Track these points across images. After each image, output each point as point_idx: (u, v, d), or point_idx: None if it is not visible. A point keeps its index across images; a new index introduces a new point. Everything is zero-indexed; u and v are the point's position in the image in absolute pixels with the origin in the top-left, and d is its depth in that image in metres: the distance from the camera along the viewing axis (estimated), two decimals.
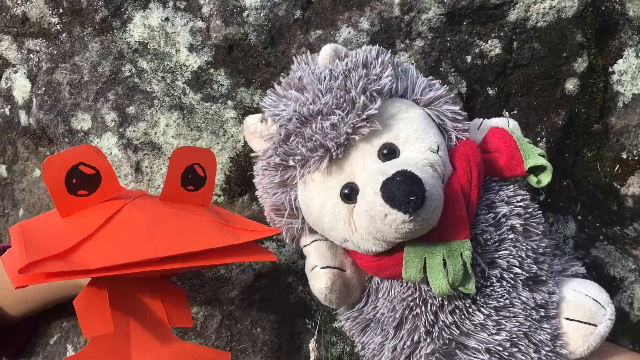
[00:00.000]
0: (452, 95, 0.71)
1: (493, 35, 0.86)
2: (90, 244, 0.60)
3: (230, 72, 0.91)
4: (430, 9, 0.84)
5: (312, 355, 0.76)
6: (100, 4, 0.91)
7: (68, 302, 0.88)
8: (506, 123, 0.74)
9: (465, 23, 0.86)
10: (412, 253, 0.64)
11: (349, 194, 0.65)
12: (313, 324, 0.79)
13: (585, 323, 0.68)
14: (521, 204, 0.70)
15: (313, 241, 0.71)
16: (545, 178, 0.70)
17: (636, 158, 0.93)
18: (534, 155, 0.70)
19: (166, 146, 0.88)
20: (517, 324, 0.67)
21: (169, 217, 0.66)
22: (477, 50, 0.86)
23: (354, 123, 0.64)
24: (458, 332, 0.67)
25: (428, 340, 0.67)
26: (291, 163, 0.66)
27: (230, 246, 0.66)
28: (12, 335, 0.86)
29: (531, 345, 0.67)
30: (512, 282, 0.67)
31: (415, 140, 0.65)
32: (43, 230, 0.61)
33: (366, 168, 0.64)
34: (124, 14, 0.91)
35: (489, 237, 0.67)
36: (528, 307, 0.67)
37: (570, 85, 0.89)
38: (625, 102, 0.92)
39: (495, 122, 0.74)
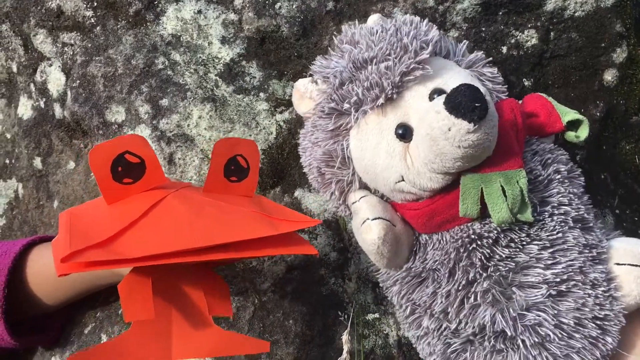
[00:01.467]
0: (491, 60, 0.75)
1: (529, 25, 0.84)
2: (131, 233, 0.60)
3: (262, 65, 0.91)
4: None
5: (345, 348, 0.76)
6: None
7: (102, 292, 0.90)
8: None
9: (500, 13, 0.84)
10: (469, 184, 0.65)
11: (403, 133, 0.68)
12: (346, 317, 0.79)
13: (636, 265, 0.68)
14: (562, 156, 0.72)
15: (362, 197, 0.73)
16: (583, 132, 0.73)
17: None
18: (569, 113, 0.72)
19: (199, 138, 0.88)
20: (572, 257, 0.67)
21: (210, 207, 0.66)
22: (512, 41, 0.85)
23: (407, 64, 0.67)
24: (514, 264, 0.67)
25: (484, 275, 0.67)
26: (346, 106, 0.70)
27: (271, 238, 0.66)
28: (47, 325, 0.87)
29: (587, 282, 0.67)
30: (563, 217, 0.68)
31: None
32: (89, 217, 0.62)
33: (420, 108, 0.67)
34: (157, 6, 0.92)
35: (538, 174, 0.69)
36: (580, 245, 0.68)
37: (609, 76, 0.87)
38: None
39: None
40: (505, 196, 0.64)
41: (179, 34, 0.91)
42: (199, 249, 0.61)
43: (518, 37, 0.85)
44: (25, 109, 1.05)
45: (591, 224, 0.71)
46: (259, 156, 0.74)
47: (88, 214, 0.63)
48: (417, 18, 0.72)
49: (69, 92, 0.94)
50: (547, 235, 0.67)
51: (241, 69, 0.90)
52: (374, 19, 0.76)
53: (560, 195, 0.69)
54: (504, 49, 0.85)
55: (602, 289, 0.67)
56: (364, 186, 0.74)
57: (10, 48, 1.04)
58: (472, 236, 0.67)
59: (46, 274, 0.82)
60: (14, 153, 1.08)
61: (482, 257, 0.67)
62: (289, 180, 0.88)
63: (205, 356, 0.66)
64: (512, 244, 0.67)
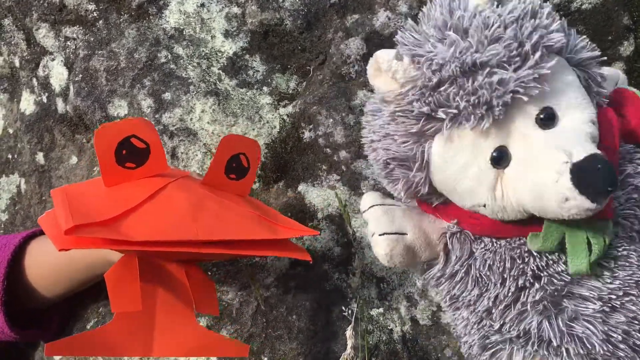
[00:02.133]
0: (605, 58, 0.66)
1: None
2: (135, 216, 0.60)
3: (266, 58, 0.90)
4: None
5: (349, 343, 0.75)
6: None
7: (104, 287, 0.89)
8: (617, 75, 0.71)
9: None
10: (553, 228, 0.61)
11: (499, 158, 0.59)
12: (350, 312, 0.78)
13: None
14: (637, 160, 0.66)
15: (370, 207, 0.69)
16: None
17: None
18: None
19: (202, 132, 0.87)
20: (631, 272, 0.63)
21: (211, 202, 0.65)
22: None
23: (525, 81, 0.57)
24: (569, 278, 0.63)
25: (536, 286, 0.64)
26: (441, 115, 0.59)
27: (269, 240, 0.66)
28: (48, 319, 0.87)
29: None
30: (630, 235, 0.64)
31: (577, 108, 0.60)
32: (87, 196, 0.61)
33: (526, 135, 0.59)
34: (160, 0, 0.91)
35: (617, 202, 0.63)
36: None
37: (616, 69, 0.86)
38: None
39: (607, 70, 0.69)
40: (590, 250, 0.60)
41: (181, 27, 0.91)
42: (200, 242, 0.61)
43: None
44: (27, 103, 1.04)
45: None
46: (260, 158, 0.74)
47: (85, 193, 0.62)
48: (545, 8, 0.60)
49: (71, 87, 0.94)
50: (613, 252, 0.64)
51: (244, 63, 0.90)
52: None
53: (634, 217, 0.64)
54: None
55: None
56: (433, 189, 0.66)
57: (12, 42, 1.03)
58: (534, 253, 0.64)
59: (45, 266, 0.82)
60: (17, 148, 1.07)
61: (537, 268, 0.64)
62: (293, 175, 0.87)
63: (186, 355, 0.66)
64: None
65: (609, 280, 0.63)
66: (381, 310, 0.84)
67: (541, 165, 0.56)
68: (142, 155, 0.64)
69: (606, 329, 0.62)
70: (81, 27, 0.95)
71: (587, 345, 0.63)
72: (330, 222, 0.85)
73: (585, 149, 0.55)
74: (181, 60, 0.90)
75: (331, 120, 0.83)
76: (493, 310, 0.66)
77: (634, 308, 0.63)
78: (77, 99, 0.91)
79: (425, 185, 0.64)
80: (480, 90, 0.57)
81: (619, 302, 0.63)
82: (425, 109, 0.59)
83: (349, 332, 0.76)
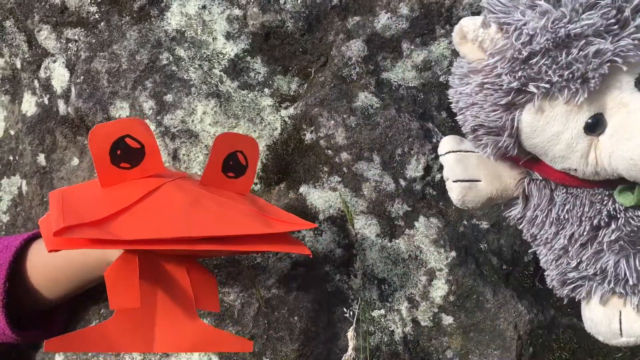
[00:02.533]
0: None
1: None
2: (126, 216, 0.60)
3: (267, 60, 0.90)
4: None
5: (351, 344, 0.76)
6: None
7: (104, 288, 0.89)
8: None
9: None
10: None
11: (594, 124, 0.58)
12: (351, 313, 0.78)
13: None
14: None
15: (446, 153, 0.70)
16: None
17: None
18: None
19: (203, 134, 0.87)
20: None
21: (207, 200, 0.65)
22: None
23: (625, 49, 0.54)
24: None
25: (612, 226, 0.64)
26: (532, 89, 0.57)
27: (264, 235, 0.66)
28: (50, 320, 0.87)
29: None
30: None
31: None
32: (82, 197, 0.62)
33: (625, 103, 0.57)
34: (161, 2, 0.92)
35: None
36: None
37: None
38: None
39: None
40: None
41: (183, 29, 0.91)
42: (193, 239, 0.61)
43: None
44: (29, 105, 1.04)
45: None
46: (258, 155, 0.74)
47: (81, 194, 0.63)
48: None
49: (73, 88, 0.94)
50: None
51: (246, 65, 0.90)
52: None
53: None
54: None
55: None
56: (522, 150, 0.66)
57: (14, 44, 1.04)
58: (614, 196, 0.64)
59: (46, 268, 0.82)
60: (18, 150, 1.07)
61: (614, 210, 0.64)
62: (294, 177, 0.87)
63: (188, 351, 0.66)
64: None
65: None
66: (382, 311, 0.84)
67: (636, 138, 0.55)
68: (137, 156, 0.64)
69: None
70: (83, 28, 0.95)
71: None
72: (332, 224, 0.85)
73: None
74: (183, 62, 0.90)
75: (332, 122, 0.83)
76: (569, 249, 0.67)
77: None
78: (79, 101, 0.92)
79: (515, 148, 0.63)
80: (576, 63, 0.55)
81: None
82: (515, 83, 0.57)
83: (350, 334, 0.76)
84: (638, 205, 0.63)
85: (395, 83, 0.87)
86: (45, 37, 0.98)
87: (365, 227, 0.84)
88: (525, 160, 0.67)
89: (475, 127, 0.63)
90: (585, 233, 0.65)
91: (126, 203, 0.61)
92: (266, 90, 0.89)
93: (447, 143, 0.71)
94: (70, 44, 0.97)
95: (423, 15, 0.84)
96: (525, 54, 0.56)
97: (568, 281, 0.69)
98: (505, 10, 0.58)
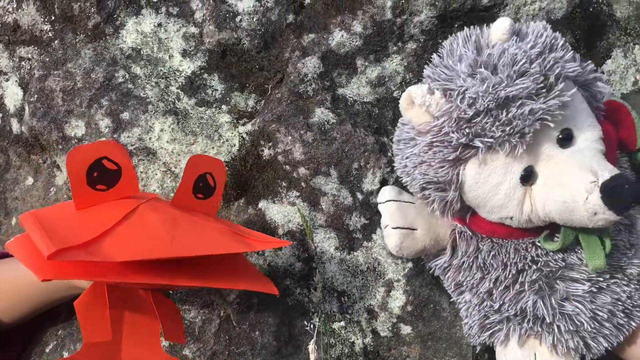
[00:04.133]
0: (605, 77, 0.78)
1: None
2: (112, 237, 0.59)
3: (224, 77, 0.91)
4: (422, 11, 0.85)
5: (312, 357, 0.76)
6: (93, 10, 0.91)
7: (63, 309, 0.88)
8: (606, 87, 0.77)
9: (456, 25, 0.86)
10: (569, 231, 0.69)
11: (527, 176, 0.68)
12: (312, 326, 0.79)
13: None
14: (626, 166, 0.76)
15: (387, 201, 0.76)
16: None
17: None
18: None
19: (161, 151, 0.87)
20: (617, 259, 0.72)
21: (184, 220, 0.66)
22: None
23: (551, 109, 0.64)
24: (564, 263, 0.72)
25: (534, 267, 0.72)
26: (478, 144, 0.66)
27: (238, 271, 0.68)
28: (7, 344, 0.85)
29: (624, 278, 0.72)
30: (618, 228, 0.73)
31: (589, 127, 0.69)
32: (58, 220, 0.61)
33: (551, 156, 0.67)
34: (116, 20, 0.91)
35: None
36: (626, 247, 0.73)
37: None
38: None
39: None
40: (604, 245, 0.69)
41: (139, 47, 0.91)
42: (171, 274, 0.61)
43: None
44: None
45: (635, 220, 0.75)
46: (225, 176, 0.75)
47: (56, 216, 0.62)
48: (550, 32, 0.69)
49: (26, 107, 0.93)
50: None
51: (203, 82, 0.91)
52: (506, 26, 0.68)
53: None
54: None
55: (635, 281, 0.72)
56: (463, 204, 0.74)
57: None
58: (530, 243, 0.73)
59: (4, 289, 0.80)
60: None
61: (536, 255, 0.72)
62: (253, 192, 0.88)
63: None
64: (568, 250, 0.72)
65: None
66: (343, 323, 0.85)
67: (570, 184, 0.64)
68: (113, 177, 0.64)
69: (593, 307, 0.71)
70: (36, 47, 0.95)
71: (576, 322, 0.71)
72: (291, 238, 0.86)
73: (607, 168, 0.63)
74: (139, 80, 0.90)
75: (290, 137, 0.84)
76: (494, 292, 0.74)
77: (618, 290, 0.72)
78: (33, 120, 0.90)
79: (458, 202, 0.72)
80: (515, 120, 0.64)
81: (605, 284, 0.72)
82: (463, 139, 0.66)
83: (311, 347, 0.77)
84: (561, 249, 0.71)
85: (351, 99, 0.89)
86: None
87: (324, 240, 0.85)
88: (458, 215, 0.75)
89: (424, 185, 0.72)
90: (510, 276, 0.73)
91: (108, 225, 0.60)
92: (224, 107, 0.90)
93: (387, 192, 0.79)
94: (23, 63, 0.96)
95: (376, 32, 0.86)
96: (470, 113, 0.65)
97: (488, 326, 0.76)
98: (447, 78, 0.68)
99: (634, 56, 0.92)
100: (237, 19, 0.89)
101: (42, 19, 0.94)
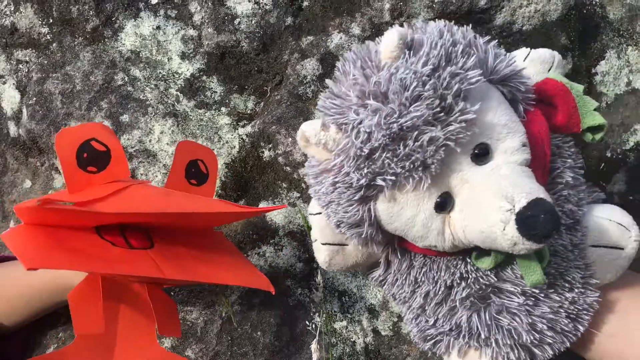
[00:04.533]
0: (523, 68, 0.66)
1: None
2: (103, 201, 0.60)
3: (223, 79, 0.91)
4: (419, 13, 0.86)
5: (315, 356, 0.77)
6: (91, 13, 0.91)
7: (63, 312, 0.88)
8: (552, 57, 0.72)
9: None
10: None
11: (443, 203, 0.60)
12: (313, 326, 0.80)
13: (611, 247, 0.68)
14: (571, 151, 0.69)
15: (318, 213, 0.70)
16: (599, 135, 0.69)
17: (620, 156, 0.96)
18: (590, 113, 0.68)
19: (161, 153, 0.88)
20: (555, 265, 0.66)
21: (177, 194, 0.67)
22: None
23: (454, 133, 0.56)
24: (496, 279, 0.66)
25: (463, 285, 0.67)
26: (380, 183, 0.59)
27: (235, 267, 0.68)
28: (8, 347, 0.85)
29: (566, 285, 0.66)
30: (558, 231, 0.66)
31: (507, 135, 0.61)
32: (53, 199, 0.61)
33: (465, 179, 0.60)
34: (115, 23, 0.92)
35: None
36: (567, 250, 0.67)
37: None
38: (608, 102, 0.94)
39: (542, 53, 0.72)
40: (542, 257, 0.63)
41: (138, 50, 0.91)
42: (164, 269, 0.61)
43: None
44: None
45: (579, 217, 0.68)
46: (217, 164, 0.76)
47: (52, 197, 0.63)
48: (449, 40, 0.59)
49: (24, 110, 0.93)
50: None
51: (202, 84, 0.91)
52: (394, 41, 0.58)
53: (563, 214, 0.67)
54: None
55: (579, 285, 0.66)
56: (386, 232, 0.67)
57: None
58: (459, 256, 0.67)
59: (3, 293, 0.80)
60: None
61: (465, 272, 0.66)
62: (253, 194, 0.89)
63: None
64: (502, 264, 0.66)
65: None
66: (344, 323, 0.86)
67: (486, 213, 0.57)
68: (103, 159, 0.64)
69: (531, 320, 0.65)
70: (34, 50, 0.94)
71: (514, 335, 0.66)
72: (292, 239, 0.86)
73: (525, 190, 0.56)
74: (138, 83, 0.90)
75: (290, 139, 0.85)
76: (426, 307, 0.69)
77: (558, 298, 0.66)
78: (31, 122, 0.91)
79: (379, 234, 0.65)
80: (414, 153, 0.56)
81: (542, 295, 0.66)
82: (363, 180, 0.59)
83: (313, 346, 0.78)
84: (494, 268, 0.65)
85: None
86: None
87: None
88: (384, 243, 0.69)
89: (337, 224, 0.65)
90: (440, 292, 0.68)
91: (100, 195, 0.61)
92: (223, 109, 0.90)
93: (316, 205, 0.70)
94: (20, 65, 0.96)
95: (374, 35, 0.87)
96: (366, 151, 0.57)
97: (428, 337, 0.72)
98: (339, 111, 0.60)
99: (627, 57, 0.93)
100: (236, 21, 0.89)
101: (40, 22, 0.94)
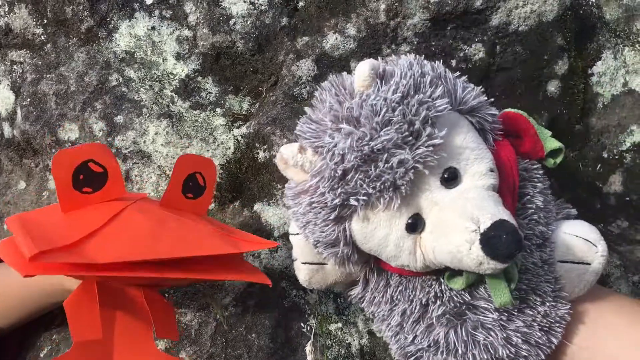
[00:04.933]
0: (490, 100, 0.70)
1: (477, 40, 0.88)
2: (96, 239, 0.60)
3: (218, 80, 0.91)
4: (415, 14, 0.86)
5: (309, 358, 0.77)
6: (86, 14, 0.91)
7: (58, 314, 0.87)
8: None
9: (449, 28, 0.87)
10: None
11: (415, 224, 0.63)
12: (308, 328, 0.80)
13: (578, 263, 0.70)
14: (539, 173, 0.72)
15: (297, 233, 0.72)
16: (559, 158, 0.74)
17: (617, 157, 0.95)
18: (548, 139, 0.73)
19: (156, 154, 0.87)
20: (527, 281, 0.68)
21: (171, 221, 0.66)
22: (461, 55, 0.88)
23: (422, 156, 0.60)
24: (470, 297, 0.68)
25: (438, 303, 0.69)
26: (353, 203, 0.62)
27: (228, 264, 0.66)
28: (2, 349, 0.85)
29: (538, 299, 0.68)
30: (529, 250, 0.69)
31: (475, 160, 0.64)
32: (44, 223, 0.61)
33: (435, 201, 0.63)
34: (109, 23, 0.91)
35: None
36: (537, 266, 0.69)
37: (552, 87, 0.91)
38: (605, 103, 0.94)
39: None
40: (511, 277, 0.65)
41: (132, 50, 0.91)
42: (162, 267, 0.61)
43: (466, 50, 0.88)
44: None
45: (549, 235, 0.71)
46: (216, 176, 0.75)
47: (42, 219, 0.62)
48: (417, 71, 0.63)
49: (18, 111, 0.92)
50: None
51: (197, 85, 0.91)
52: (365, 72, 0.62)
53: (534, 235, 0.69)
54: (453, 63, 0.88)
55: (550, 298, 0.69)
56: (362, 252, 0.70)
57: None
58: (431, 276, 0.69)
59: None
60: None
61: (439, 291, 0.69)
62: (248, 195, 0.88)
63: None
64: (475, 283, 0.68)
65: None
66: (339, 324, 0.85)
67: (452, 234, 0.60)
68: (99, 180, 0.64)
69: (506, 335, 0.67)
70: (28, 50, 0.94)
71: (490, 350, 0.68)
72: (287, 240, 0.85)
73: (490, 212, 0.59)
74: (133, 83, 0.90)
75: (285, 140, 0.85)
76: (404, 325, 0.71)
77: (531, 312, 0.68)
78: (26, 123, 0.90)
79: (355, 254, 0.68)
80: (384, 175, 0.60)
81: (515, 310, 0.68)
82: (337, 200, 0.62)
83: (308, 348, 0.77)
84: (466, 286, 0.67)
85: None
86: None
87: None
88: (361, 263, 0.72)
89: (314, 244, 0.68)
90: (416, 310, 0.70)
91: (93, 227, 0.61)
92: (218, 109, 0.90)
93: (295, 226, 0.72)
94: (15, 66, 0.95)
95: (370, 35, 0.87)
96: (340, 172, 0.61)
97: (408, 354, 0.73)
98: (315, 135, 0.64)
99: (623, 58, 0.93)
100: (231, 22, 0.89)
101: (35, 23, 0.93)
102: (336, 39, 0.87)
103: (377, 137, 0.60)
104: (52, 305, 0.81)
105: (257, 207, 0.87)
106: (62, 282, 0.75)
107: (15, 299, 0.80)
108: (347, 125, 0.61)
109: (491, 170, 0.65)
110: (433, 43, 0.88)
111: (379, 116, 0.60)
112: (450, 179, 0.63)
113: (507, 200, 0.66)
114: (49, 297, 0.80)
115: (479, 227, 0.58)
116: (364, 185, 0.61)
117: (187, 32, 0.91)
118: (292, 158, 0.64)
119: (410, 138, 0.60)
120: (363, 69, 0.62)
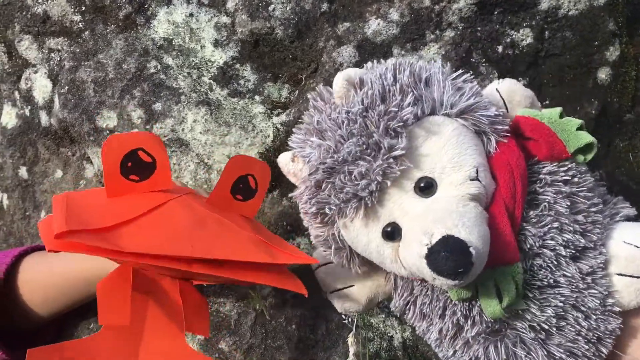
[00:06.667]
0: (486, 100, 0.66)
1: (524, 25, 0.85)
2: (128, 228, 0.59)
3: (257, 67, 0.89)
4: None
5: (351, 350, 0.75)
6: (124, 1, 0.90)
7: (93, 305, 0.87)
8: (495, 86, 0.70)
9: (496, 12, 0.85)
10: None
11: (392, 232, 0.63)
12: (349, 320, 0.78)
13: (638, 277, 0.65)
14: (565, 177, 0.67)
15: (316, 269, 0.74)
16: (590, 155, 0.68)
17: None
18: (574, 135, 0.67)
19: (194, 142, 0.86)
20: (563, 298, 0.65)
21: (211, 222, 0.65)
22: (508, 40, 0.85)
23: (382, 169, 0.60)
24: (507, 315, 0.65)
25: (469, 323, 0.67)
26: (327, 212, 0.64)
27: (265, 267, 0.65)
28: (40, 340, 0.84)
29: (580, 315, 0.65)
30: (556, 262, 0.65)
31: (452, 169, 0.62)
32: (86, 204, 0.61)
33: (406, 211, 0.62)
34: (147, 10, 0.90)
35: (532, 240, 0.64)
36: (574, 280, 0.65)
37: (603, 74, 0.88)
38: None
39: (490, 90, 0.70)
40: (499, 293, 0.62)
41: (170, 37, 0.90)
42: (192, 260, 0.60)
43: (513, 36, 0.85)
44: (9, 117, 1.02)
45: (592, 245, 0.66)
46: (269, 180, 0.74)
47: (85, 201, 0.62)
48: (390, 79, 0.63)
49: (56, 99, 0.92)
50: (537, 283, 0.65)
51: (235, 72, 0.89)
52: (339, 84, 0.63)
53: (556, 244, 0.65)
54: (500, 49, 0.85)
55: (598, 312, 0.65)
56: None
57: None
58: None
59: (38, 284, 0.80)
60: None
61: (465, 311, 0.67)
62: (288, 184, 0.86)
63: None
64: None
65: (537, 313, 0.65)
66: (381, 317, 0.84)
67: (413, 247, 0.59)
68: (147, 169, 0.63)
69: (547, 351, 0.65)
70: (66, 38, 0.93)
71: None
72: None
73: (445, 226, 0.57)
74: (171, 71, 0.89)
75: None
76: (443, 340, 0.70)
77: (572, 330, 0.65)
78: (64, 111, 0.90)
79: (354, 257, 0.69)
80: (345, 186, 0.61)
81: (554, 329, 0.65)
82: (314, 209, 0.65)
83: (350, 340, 0.76)
84: (462, 298, 0.65)
85: None
86: (27, 47, 0.96)
87: None
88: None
89: (316, 244, 0.71)
90: (451, 329, 0.68)
91: (131, 215, 0.60)
92: (257, 97, 0.88)
93: (318, 255, 0.74)
94: (52, 54, 0.95)
95: (413, 20, 0.84)
96: (313, 182, 0.63)
97: None
98: (301, 145, 0.67)
99: None
100: (270, 7, 0.87)
101: (73, 10, 0.93)
102: (378, 24, 0.85)
103: (340, 150, 0.61)
104: (91, 296, 0.81)
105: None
106: (101, 273, 0.74)
107: (56, 288, 0.79)
108: (316, 138, 0.64)
109: (471, 179, 0.62)
110: (479, 28, 0.85)
111: (341, 129, 0.61)
112: (426, 188, 0.62)
113: (508, 204, 0.63)
114: (88, 288, 0.79)
115: (430, 242, 0.57)
116: (332, 196, 0.63)
117: (225, 19, 0.89)
118: (285, 166, 0.70)
119: (370, 150, 0.60)
120: (337, 80, 0.64)
